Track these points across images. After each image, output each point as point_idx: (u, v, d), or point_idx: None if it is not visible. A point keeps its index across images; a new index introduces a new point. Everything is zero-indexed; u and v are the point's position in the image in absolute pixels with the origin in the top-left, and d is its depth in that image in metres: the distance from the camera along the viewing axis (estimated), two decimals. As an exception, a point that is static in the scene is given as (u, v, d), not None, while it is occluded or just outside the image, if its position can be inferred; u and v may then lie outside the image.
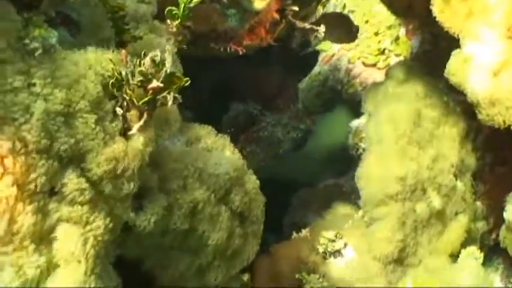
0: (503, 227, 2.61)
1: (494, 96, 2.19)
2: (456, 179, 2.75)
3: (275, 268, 2.69)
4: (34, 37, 1.68)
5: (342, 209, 2.94)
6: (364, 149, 2.91)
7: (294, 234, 2.85)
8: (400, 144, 2.68)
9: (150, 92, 1.76)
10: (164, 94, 1.76)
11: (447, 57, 2.35)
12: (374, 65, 3.92)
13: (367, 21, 4.04)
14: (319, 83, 4.18)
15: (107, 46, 1.90)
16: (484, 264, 2.67)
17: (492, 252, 2.83)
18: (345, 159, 3.57)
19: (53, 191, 1.67)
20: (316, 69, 4.21)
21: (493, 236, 2.83)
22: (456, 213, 2.73)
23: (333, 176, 3.78)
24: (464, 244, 2.69)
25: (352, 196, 3.06)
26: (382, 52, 3.91)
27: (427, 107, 2.78)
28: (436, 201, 2.67)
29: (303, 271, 2.65)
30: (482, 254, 2.65)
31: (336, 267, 2.67)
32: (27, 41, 1.66)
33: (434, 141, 2.74)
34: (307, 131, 4.36)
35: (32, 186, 1.60)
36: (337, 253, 2.68)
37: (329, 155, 4.00)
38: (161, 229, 2.04)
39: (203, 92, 4.01)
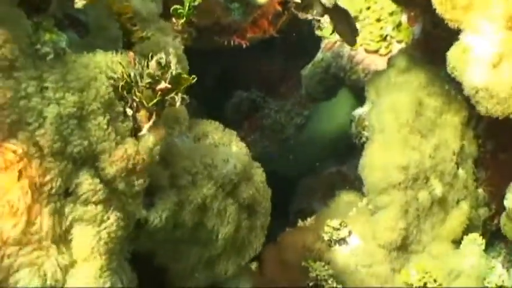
0: (504, 214, 2.66)
1: (494, 87, 2.22)
2: (458, 167, 2.79)
3: (282, 256, 2.74)
4: (45, 42, 1.70)
5: (345, 197, 2.98)
6: (367, 138, 2.94)
7: (300, 223, 2.90)
8: (402, 133, 2.72)
9: (159, 93, 1.80)
10: (172, 95, 1.80)
11: (448, 45, 2.37)
12: (376, 52, 3.92)
13: (369, 8, 4.02)
14: (322, 70, 4.18)
15: (115, 46, 1.93)
16: (486, 249, 2.73)
17: (494, 238, 2.88)
18: (347, 146, 3.60)
19: (67, 192, 1.71)
20: (319, 56, 4.21)
21: (495, 221, 2.88)
22: (458, 201, 2.78)
23: (334, 163, 3.81)
24: (466, 231, 2.74)
25: (356, 182, 3.10)
26: (384, 38, 3.91)
27: (428, 96, 2.81)
28: (438, 189, 2.71)
29: (308, 259, 2.71)
30: (484, 240, 2.70)
31: (341, 255, 2.72)
32: (38, 46, 1.69)
33: (436, 129, 2.77)
34: (310, 116, 4.38)
35: (47, 188, 1.65)
36: (342, 241, 2.73)
37: (330, 142, 4.02)
38: (172, 224, 2.09)
39: (207, 82, 4.03)
